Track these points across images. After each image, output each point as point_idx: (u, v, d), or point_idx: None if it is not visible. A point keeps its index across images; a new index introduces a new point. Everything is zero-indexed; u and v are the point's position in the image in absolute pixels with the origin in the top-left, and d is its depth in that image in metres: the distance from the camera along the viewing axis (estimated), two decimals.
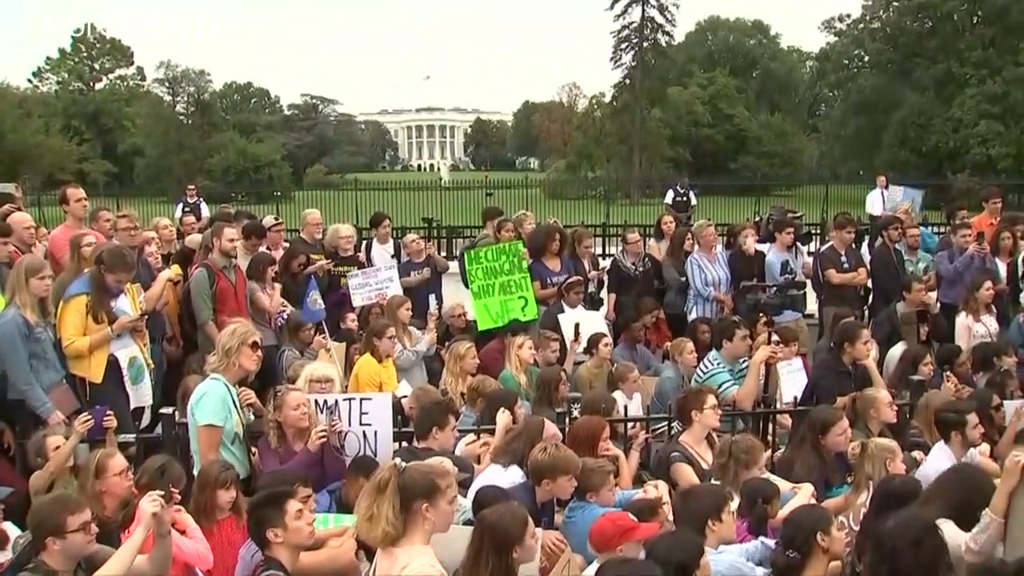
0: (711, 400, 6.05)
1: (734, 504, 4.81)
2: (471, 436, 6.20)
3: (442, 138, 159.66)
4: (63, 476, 5.45)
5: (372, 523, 3.74)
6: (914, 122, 52.29)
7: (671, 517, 4.83)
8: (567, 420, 6.22)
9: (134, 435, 6.23)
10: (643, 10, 62.60)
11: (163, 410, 6.29)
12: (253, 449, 5.77)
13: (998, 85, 49.75)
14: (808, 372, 7.79)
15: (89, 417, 5.81)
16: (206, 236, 8.62)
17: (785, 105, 75.83)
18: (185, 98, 75.50)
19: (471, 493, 5.02)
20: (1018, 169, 45.57)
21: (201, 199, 20.02)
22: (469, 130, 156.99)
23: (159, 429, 6.21)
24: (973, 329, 8.93)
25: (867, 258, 10.95)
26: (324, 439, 5.50)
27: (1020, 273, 10.07)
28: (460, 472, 4.92)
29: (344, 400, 5.94)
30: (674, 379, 7.86)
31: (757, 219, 13.04)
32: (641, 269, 10.19)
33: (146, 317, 7.17)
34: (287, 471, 5.08)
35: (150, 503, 4.06)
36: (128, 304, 7.00)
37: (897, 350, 8.38)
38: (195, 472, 5.29)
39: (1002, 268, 10.06)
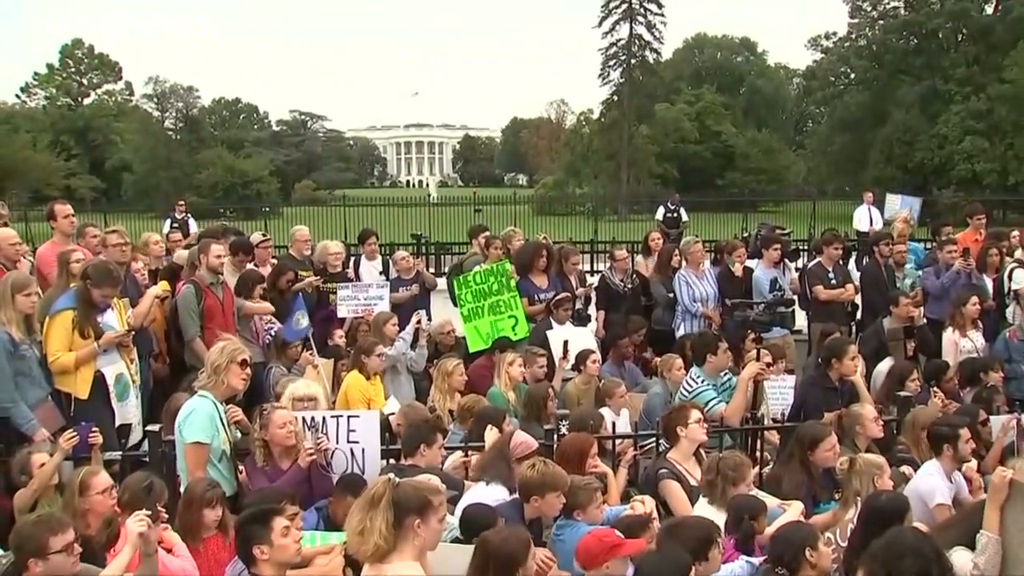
0: (695, 415, 6.02)
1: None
2: (459, 454, 6.18)
3: (430, 154, 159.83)
4: (47, 494, 5.39)
5: (364, 537, 3.72)
6: (900, 139, 52.69)
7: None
8: (555, 437, 6.21)
9: (119, 453, 6.20)
10: (631, 27, 62.94)
11: (149, 427, 6.26)
12: (240, 467, 5.75)
13: (982, 102, 50.21)
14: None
15: (74, 434, 5.77)
16: (193, 253, 8.60)
17: (772, 122, 76.32)
18: (173, 113, 75.58)
19: (458, 511, 5.00)
20: (1003, 185, 45.96)
21: (189, 215, 20.01)
22: (457, 146, 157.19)
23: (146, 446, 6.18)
24: (960, 345, 9.00)
25: (854, 274, 11.01)
26: (314, 458, 5.49)
27: (1006, 289, 10.11)
28: (448, 490, 4.93)
29: (331, 417, 5.91)
30: (662, 395, 7.86)
31: (745, 235, 13.10)
32: (629, 286, 10.22)
33: (132, 333, 7.13)
34: (274, 489, 5.06)
35: (137, 522, 4.04)
36: (115, 320, 6.96)
37: (884, 366, 8.40)
38: (181, 490, 5.26)
39: (989, 284, 10.12)
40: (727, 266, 10.28)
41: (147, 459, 5.99)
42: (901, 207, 17.03)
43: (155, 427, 6.17)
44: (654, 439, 6.61)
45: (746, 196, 44.75)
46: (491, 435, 5.98)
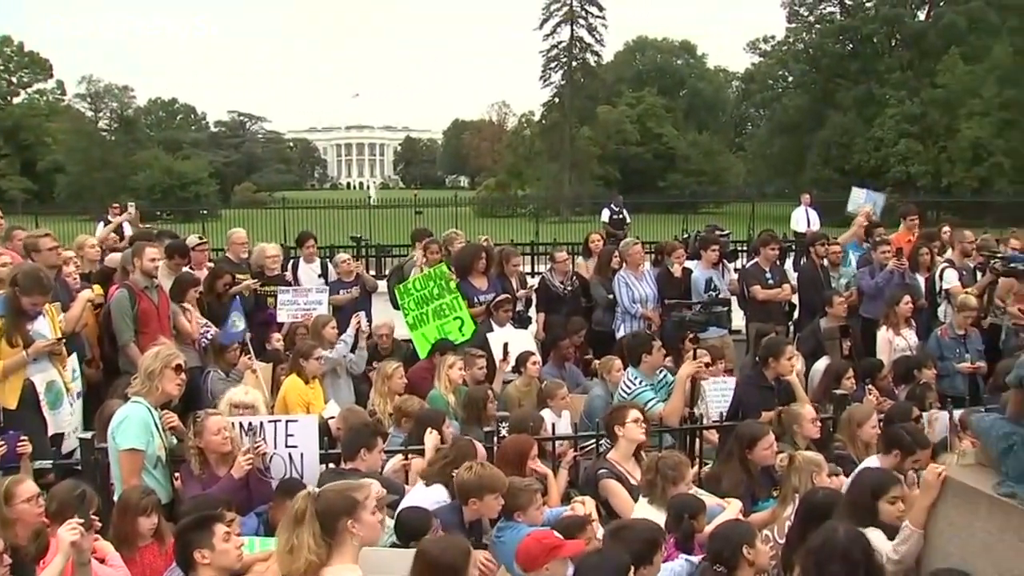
0: (633, 414, 6.04)
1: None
2: (399, 457, 6.15)
3: (371, 156, 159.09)
4: None
5: (293, 554, 3.70)
6: (837, 141, 53.82)
7: (600, 534, 4.85)
8: (495, 439, 6.21)
9: (51, 461, 6.07)
10: (572, 30, 63.26)
11: (81, 434, 6.13)
12: (176, 474, 5.65)
13: (916, 106, 51.54)
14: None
15: (2, 444, 5.63)
16: (126, 256, 8.44)
17: (712, 124, 77.28)
18: (108, 114, 74.25)
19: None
20: (936, 187, 47.07)
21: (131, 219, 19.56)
22: (399, 148, 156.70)
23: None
24: (894, 343, 9.14)
25: (792, 274, 11.15)
26: (249, 467, 5.41)
27: (938, 288, 10.31)
28: (389, 494, 4.90)
29: (269, 422, 5.83)
30: (603, 396, 7.86)
31: (685, 236, 13.21)
32: (569, 287, 10.26)
33: (64, 340, 6.98)
34: (210, 496, 5.01)
35: (69, 531, 3.96)
36: (47, 326, 6.80)
37: (821, 365, 8.51)
38: (115, 498, 5.16)
39: (921, 283, 10.31)
40: (666, 267, 10.35)
41: (80, 467, 5.87)
42: (865, 201, 17.25)
43: (87, 434, 6.05)
44: (594, 440, 6.64)
45: (687, 198, 45.12)
46: (431, 438, 5.95)
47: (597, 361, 8.89)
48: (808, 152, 55.93)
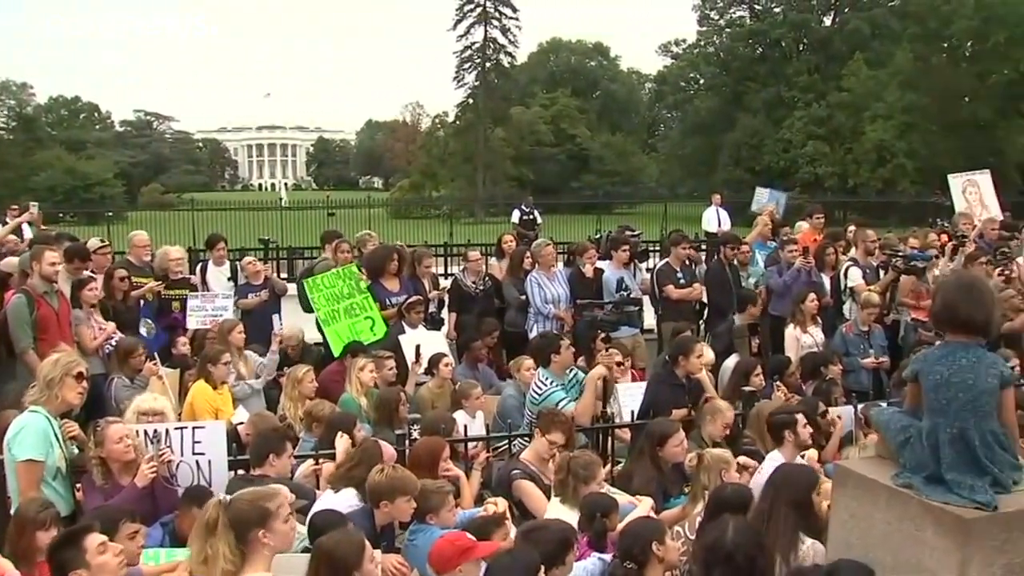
0: (555, 434, 6.05)
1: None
2: (310, 462, 6.06)
3: (283, 157, 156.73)
4: None
5: (208, 565, 3.65)
6: (747, 143, 55.04)
7: (512, 535, 4.85)
8: (407, 442, 6.17)
9: None
10: (485, 30, 63.47)
11: None
12: (78, 485, 5.48)
13: (823, 109, 53.03)
14: None
15: None
16: (24, 260, 8.17)
17: (625, 126, 78.03)
18: (5, 112, 71.76)
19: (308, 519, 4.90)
20: (843, 187, 48.44)
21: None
22: (311, 149, 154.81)
23: None
24: (801, 340, 9.33)
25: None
26: (155, 475, 5.27)
27: (843, 285, 10.55)
28: (299, 499, 4.82)
29: (175, 429, 5.70)
30: (516, 397, 7.86)
31: (596, 237, 13.31)
32: (481, 288, 10.25)
33: None
34: (112, 507, 4.85)
35: None
36: None
37: (730, 362, 8.65)
38: (12, 512, 4.97)
39: (827, 281, 10.54)
40: (578, 267, 10.41)
41: None
42: (768, 200, 17.57)
43: None
44: (507, 441, 6.64)
45: (600, 198, 45.59)
46: (342, 442, 5.89)
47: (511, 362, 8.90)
48: (719, 153, 57.01)
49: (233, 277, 10.48)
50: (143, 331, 8.12)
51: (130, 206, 51.50)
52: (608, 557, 4.60)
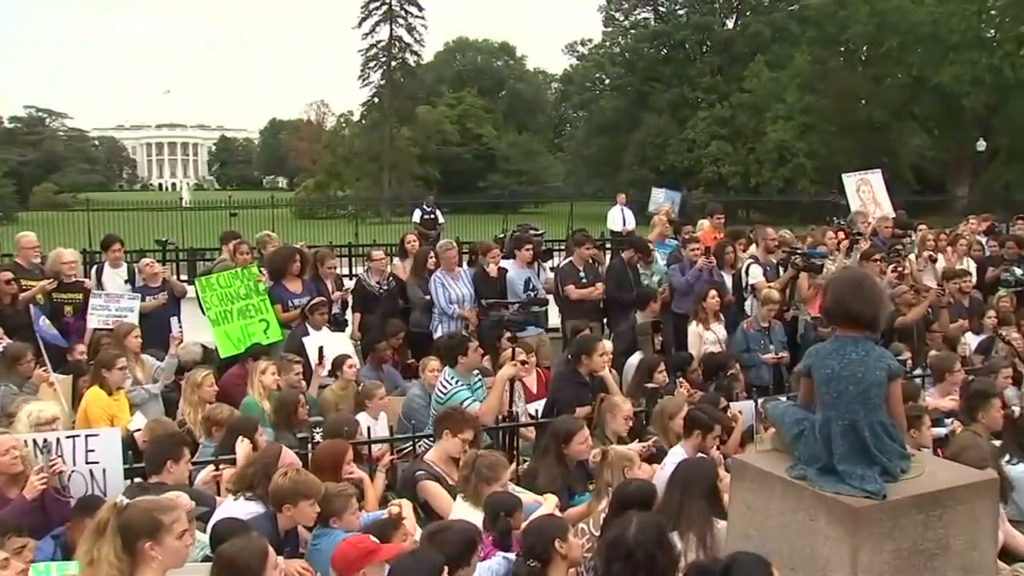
0: (467, 433, 6.04)
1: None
2: (210, 468, 5.94)
3: (184, 156, 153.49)
4: None
5: (94, 568, 3.52)
6: (652, 142, 55.94)
7: (417, 536, 4.82)
8: (309, 445, 6.09)
9: None
10: (391, 29, 63.15)
11: None
12: None
13: (726, 109, 54.20)
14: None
15: None
16: None
17: (532, 125, 78.50)
18: None
19: (209, 527, 4.80)
20: (745, 186, 49.58)
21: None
22: (213, 148, 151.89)
23: None
24: (704, 337, 9.48)
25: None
26: (45, 486, 5.09)
27: (744, 283, 10.75)
28: (198, 506, 4.72)
29: (67, 438, 5.50)
30: (421, 397, 7.83)
31: (500, 236, 13.33)
32: (385, 288, 10.19)
33: None
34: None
35: None
36: None
37: (634, 360, 8.73)
38: None
39: (728, 279, 10.73)
40: (482, 267, 10.41)
41: None
42: (664, 201, 17.79)
43: None
44: (411, 442, 6.60)
45: (507, 198, 45.76)
46: (242, 447, 5.78)
47: (414, 361, 8.86)
48: (625, 153, 57.78)
49: (130, 279, 10.21)
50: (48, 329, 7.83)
51: (21, 206, 49.73)
52: (513, 556, 4.60)
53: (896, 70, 48.97)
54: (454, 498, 5.55)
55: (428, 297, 9.99)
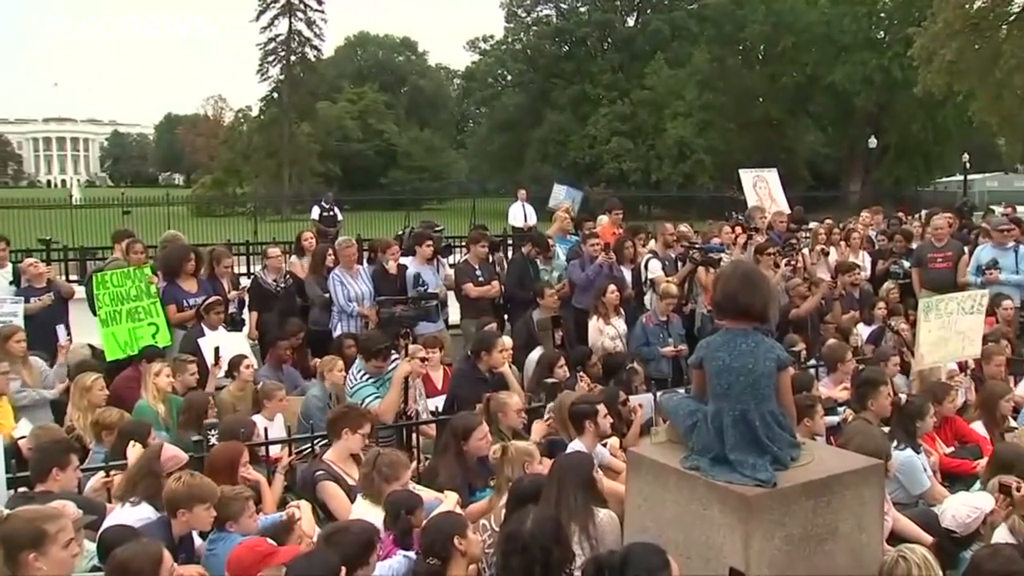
0: (366, 427, 6.02)
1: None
2: (100, 474, 5.76)
3: (75, 151, 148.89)
4: None
5: None
6: (554, 139, 56.44)
7: (316, 536, 4.76)
8: (205, 447, 5.96)
9: None
10: (290, 23, 62.22)
11: None
12: None
13: (626, 106, 54.89)
14: None
15: None
16: None
17: (434, 121, 78.33)
18: None
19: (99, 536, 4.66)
20: (646, 182, 50.36)
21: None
22: (106, 143, 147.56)
23: None
24: (604, 331, 9.58)
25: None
26: None
27: (644, 277, 10.89)
28: (87, 514, 4.58)
29: None
30: (320, 397, 7.74)
31: (400, 233, 13.26)
32: (283, 286, 10.05)
33: None
34: None
35: None
36: None
37: (534, 355, 8.77)
38: None
39: (628, 274, 10.85)
40: (381, 264, 10.34)
41: None
42: (565, 197, 17.91)
43: None
44: (310, 442, 6.53)
45: (409, 194, 45.58)
46: (134, 452, 5.62)
47: (317, 360, 8.74)
48: (527, 149, 58.18)
49: (16, 280, 9.83)
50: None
51: None
52: (413, 554, 4.58)
53: (791, 69, 50.48)
54: (354, 498, 5.51)
55: (327, 295, 9.89)
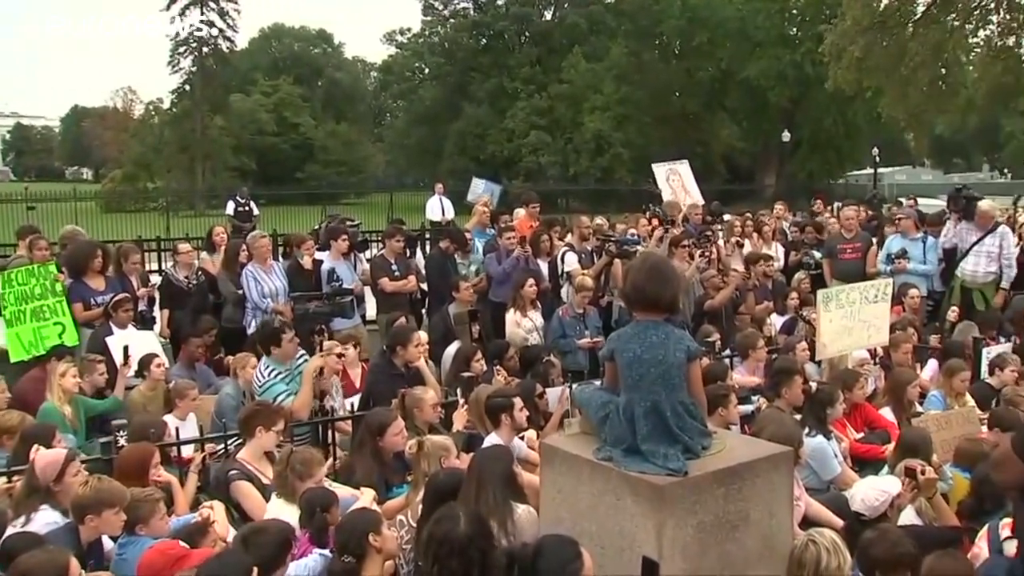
0: (280, 425, 5.95)
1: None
2: (1, 480, 5.59)
3: None
4: None
5: None
6: (472, 132, 56.41)
7: (230, 537, 4.69)
8: (113, 449, 5.84)
9: None
10: (202, 13, 60.88)
11: None
12: None
13: (544, 100, 55.18)
14: None
15: None
16: None
17: (351, 115, 77.55)
18: None
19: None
20: (565, 175, 50.72)
21: None
22: (8, 136, 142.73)
23: None
24: (521, 324, 9.62)
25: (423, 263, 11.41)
26: None
27: (560, 270, 10.96)
28: None
29: None
30: (234, 396, 7.60)
31: (316, 227, 13.15)
32: (194, 282, 9.88)
33: None
34: None
35: None
36: None
37: (451, 349, 8.79)
38: None
39: (544, 267, 10.90)
40: (296, 259, 10.24)
41: None
42: (484, 191, 17.95)
43: None
44: (224, 441, 6.43)
45: (325, 188, 45.15)
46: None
47: (230, 358, 8.61)
48: (445, 142, 58.00)
49: None
50: None
51: None
52: (329, 552, 4.55)
53: (707, 64, 51.25)
54: (268, 497, 5.45)
55: (240, 291, 9.74)
